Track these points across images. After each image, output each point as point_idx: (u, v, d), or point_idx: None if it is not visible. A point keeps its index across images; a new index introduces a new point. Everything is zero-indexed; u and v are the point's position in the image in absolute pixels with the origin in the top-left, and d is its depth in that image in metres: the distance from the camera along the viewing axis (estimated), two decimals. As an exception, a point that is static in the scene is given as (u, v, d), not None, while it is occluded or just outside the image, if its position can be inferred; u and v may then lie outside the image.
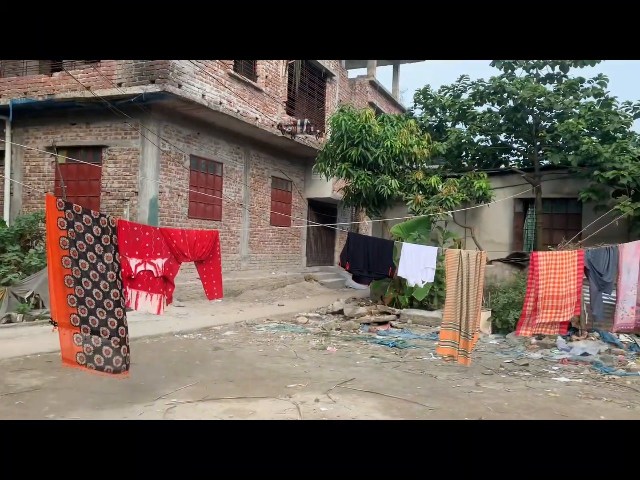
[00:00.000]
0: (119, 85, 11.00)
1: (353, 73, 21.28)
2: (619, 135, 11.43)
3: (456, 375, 6.35)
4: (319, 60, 16.20)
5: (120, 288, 4.56)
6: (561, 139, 11.52)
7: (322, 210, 17.95)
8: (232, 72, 12.76)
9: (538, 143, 12.14)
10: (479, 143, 13.15)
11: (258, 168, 14.90)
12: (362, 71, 21.60)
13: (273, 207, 15.45)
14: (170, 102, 11.06)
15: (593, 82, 11.76)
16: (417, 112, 14.11)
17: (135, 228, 5.06)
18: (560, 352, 7.71)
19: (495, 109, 12.34)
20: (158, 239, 5.16)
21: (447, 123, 13.24)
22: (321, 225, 14.02)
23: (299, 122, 14.66)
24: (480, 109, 12.59)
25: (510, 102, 11.95)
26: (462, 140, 12.48)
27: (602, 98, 11.61)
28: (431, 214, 10.52)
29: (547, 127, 12.15)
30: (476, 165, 13.16)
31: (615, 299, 6.60)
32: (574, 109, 11.51)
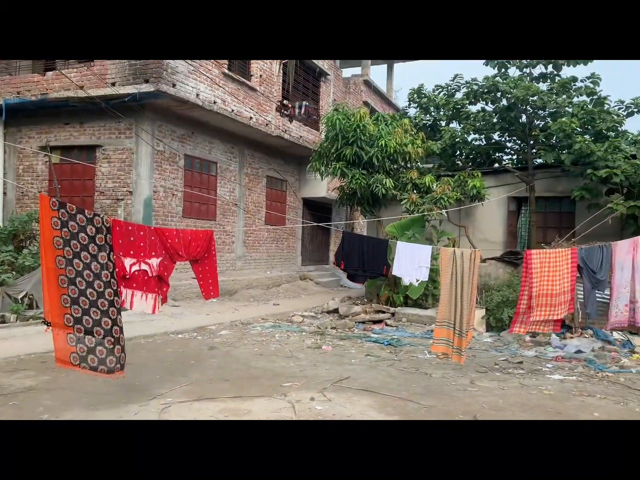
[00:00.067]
0: (113, 84, 10.96)
1: (347, 72, 21.26)
2: (612, 134, 11.50)
3: (451, 373, 6.37)
4: (313, 60, 16.19)
5: (114, 288, 4.56)
6: (554, 137, 11.56)
7: (317, 209, 17.95)
8: (227, 71, 12.73)
9: (531, 142, 12.18)
10: (473, 142, 13.20)
11: (252, 167, 14.89)
12: (357, 70, 21.57)
13: (268, 206, 15.44)
14: (164, 102, 11.04)
15: (586, 81, 11.83)
16: (411, 112, 14.13)
17: (130, 227, 5.06)
18: (554, 350, 7.76)
19: (489, 108, 12.38)
20: (152, 238, 5.16)
21: (441, 122, 13.26)
22: (316, 224, 14.00)
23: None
24: (474, 108, 12.63)
25: (504, 101, 11.97)
26: (456, 139, 12.52)
27: (595, 97, 11.67)
28: (425, 213, 10.54)
29: (541, 126, 12.19)
30: (470, 164, 13.19)
31: (609, 297, 6.64)
32: (567, 108, 11.55)
